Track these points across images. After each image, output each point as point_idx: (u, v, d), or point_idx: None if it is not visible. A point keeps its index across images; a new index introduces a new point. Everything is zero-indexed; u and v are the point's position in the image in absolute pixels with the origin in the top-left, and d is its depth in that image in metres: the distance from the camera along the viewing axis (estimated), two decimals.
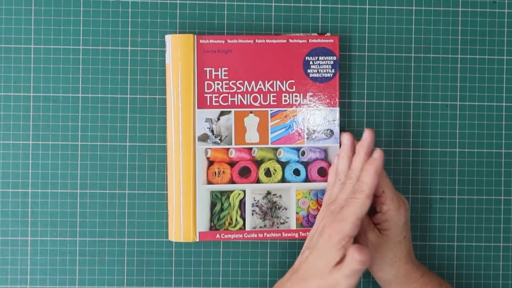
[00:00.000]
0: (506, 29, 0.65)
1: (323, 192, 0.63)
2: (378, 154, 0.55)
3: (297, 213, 0.63)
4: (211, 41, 0.61)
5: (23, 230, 0.63)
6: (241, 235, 0.62)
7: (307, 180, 0.63)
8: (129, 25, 0.64)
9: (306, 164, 0.63)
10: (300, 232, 0.63)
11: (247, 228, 0.62)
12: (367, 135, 0.58)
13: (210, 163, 0.62)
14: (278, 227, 0.63)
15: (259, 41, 0.62)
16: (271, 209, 0.63)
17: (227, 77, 0.62)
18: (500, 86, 0.65)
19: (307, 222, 0.63)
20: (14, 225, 0.63)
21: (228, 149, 0.62)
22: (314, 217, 0.63)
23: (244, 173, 0.62)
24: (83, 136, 0.63)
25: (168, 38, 0.61)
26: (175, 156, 0.61)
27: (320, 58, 0.62)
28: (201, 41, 0.61)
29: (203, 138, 0.62)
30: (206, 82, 0.62)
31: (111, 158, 0.64)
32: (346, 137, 0.60)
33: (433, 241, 0.65)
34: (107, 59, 0.64)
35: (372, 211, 0.62)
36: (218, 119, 0.62)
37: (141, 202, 0.64)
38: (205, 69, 0.62)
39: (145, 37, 0.64)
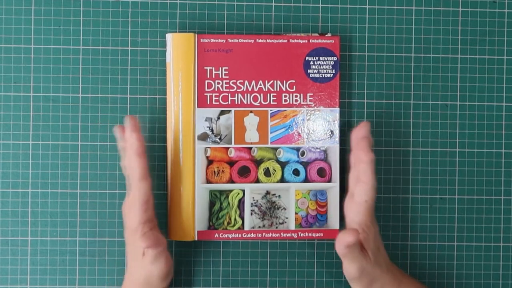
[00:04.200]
0: (506, 29, 0.65)
1: (322, 192, 0.63)
2: (134, 137, 0.56)
3: (296, 213, 0.63)
4: (212, 40, 0.61)
5: (23, 230, 0.63)
6: (239, 235, 0.62)
7: (306, 180, 0.63)
8: (129, 25, 0.64)
9: (305, 164, 0.63)
10: (299, 233, 0.62)
11: (246, 227, 0.62)
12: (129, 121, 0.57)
13: (210, 162, 0.62)
14: (277, 227, 0.63)
15: (260, 40, 0.62)
16: (270, 209, 0.63)
17: (227, 77, 0.62)
18: (500, 86, 0.65)
19: (306, 222, 0.63)
20: (14, 225, 0.63)
21: (227, 148, 0.62)
22: (313, 217, 0.63)
23: (244, 172, 0.62)
24: (83, 136, 0.63)
25: (169, 37, 0.61)
26: (175, 154, 0.61)
27: (320, 58, 0.62)
28: (202, 40, 0.61)
29: (203, 137, 0.62)
30: (206, 81, 0.62)
31: (111, 158, 0.64)
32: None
33: (433, 241, 0.65)
34: (107, 59, 0.64)
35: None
36: (218, 118, 0.62)
37: None
38: (205, 68, 0.61)
39: (145, 37, 0.64)
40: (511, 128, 0.65)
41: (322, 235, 0.62)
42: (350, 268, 0.57)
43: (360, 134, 0.59)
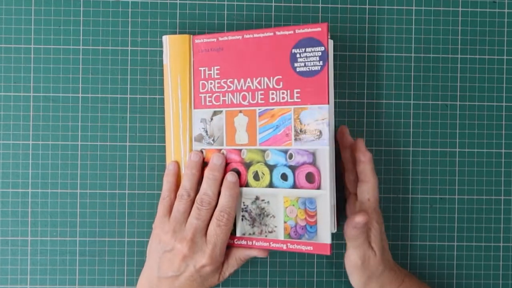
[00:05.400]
0: (506, 29, 0.65)
1: (311, 200, 0.57)
2: (233, 177, 0.58)
3: (285, 222, 0.58)
4: (205, 40, 0.60)
5: (23, 230, 0.63)
6: (231, 241, 0.60)
7: (295, 186, 0.57)
8: (129, 25, 0.64)
9: (294, 168, 0.57)
10: (288, 244, 0.58)
11: (237, 234, 0.60)
12: (215, 158, 0.59)
13: (206, 164, 0.60)
14: (266, 236, 0.59)
15: (247, 36, 0.58)
16: (259, 215, 0.59)
17: (218, 76, 0.60)
18: (500, 86, 0.65)
19: (295, 233, 0.58)
20: (14, 225, 0.63)
21: (220, 150, 0.60)
22: (302, 228, 0.57)
23: (239, 174, 0.60)
24: (83, 136, 0.63)
25: (165, 39, 0.61)
26: (174, 157, 0.61)
27: (307, 49, 0.56)
28: (196, 41, 0.60)
29: (199, 138, 0.61)
30: (201, 82, 0.60)
31: (111, 158, 0.64)
32: (194, 154, 0.60)
33: (433, 241, 0.65)
34: (107, 59, 0.64)
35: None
36: (211, 119, 0.60)
37: (141, 202, 0.64)
38: (200, 68, 0.60)
39: (145, 37, 0.64)
40: (511, 128, 0.65)
41: (312, 248, 0.57)
42: (352, 255, 0.57)
43: (347, 137, 0.60)
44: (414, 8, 0.65)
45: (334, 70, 0.63)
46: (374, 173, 0.59)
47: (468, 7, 0.65)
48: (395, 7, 0.65)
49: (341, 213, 0.62)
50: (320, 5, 0.64)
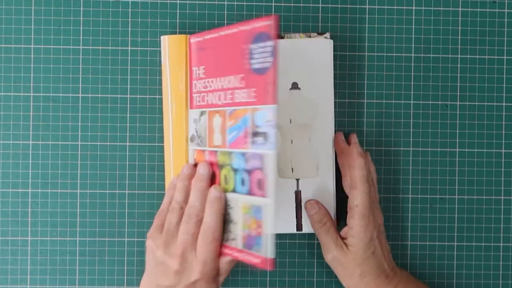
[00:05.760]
0: (506, 29, 0.65)
1: (259, 209, 0.52)
2: (216, 192, 0.55)
3: (242, 230, 0.54)
4: (196, 39, 0.59)
5: (23, 230, 0.63)
6: None
7: (250, 192, 0.53)
8: (129, 25, 0.64)
9: (249, 173, 0.53)
10: (244, 254, 0.53)
11: None
12: (201, 168, 0.57)
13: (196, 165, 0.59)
14: (230, 244, 0.55)
15: (222, 33, 0.55)
16: (226, 221, 0.55)
17: (204, 75, 0.58)
18: (500, 86, 0.65)
19: (248, 243, 0.53)
20: (14, 225, 0.63)
21: (204, 151, 0.58)
22: (253, 238, 0.53)
23: (213, 178, 0.57)
24: (83, 136, 0.63)
25: (163, 39, 0.61)
26: (172, 157, 0.61)
27: (260, 45, 0.51)
28: (191, 40, 0.60)
29: (192, 139, 0.60)
30: (193, 82, 0.60)
31: (111, 158, 0.64)
32: (187, 166, 0.58)
33: (433, 241, 0.65)
34: (107, 59, 0.64)
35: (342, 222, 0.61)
36: (200, 119, 0.59)
37: (141, 202, 0.64)
38: (193, 68, 0.60)
39: (145, 37, 0.64)
40: (511, 128, 0.65)
41: (259, 261, 0.52)
42: (324, 255, 0.60)
43: (340, 143, 0.61)
44: (414, 8, 0.65)
45: (334, 70, 0.63)
46: (363, 180, 0.58)
47: (468, 7, 0.65)
48: (395, 7, 0.65)
49: (342, 214, 0.62)
50: (320, 5, 0.64)
